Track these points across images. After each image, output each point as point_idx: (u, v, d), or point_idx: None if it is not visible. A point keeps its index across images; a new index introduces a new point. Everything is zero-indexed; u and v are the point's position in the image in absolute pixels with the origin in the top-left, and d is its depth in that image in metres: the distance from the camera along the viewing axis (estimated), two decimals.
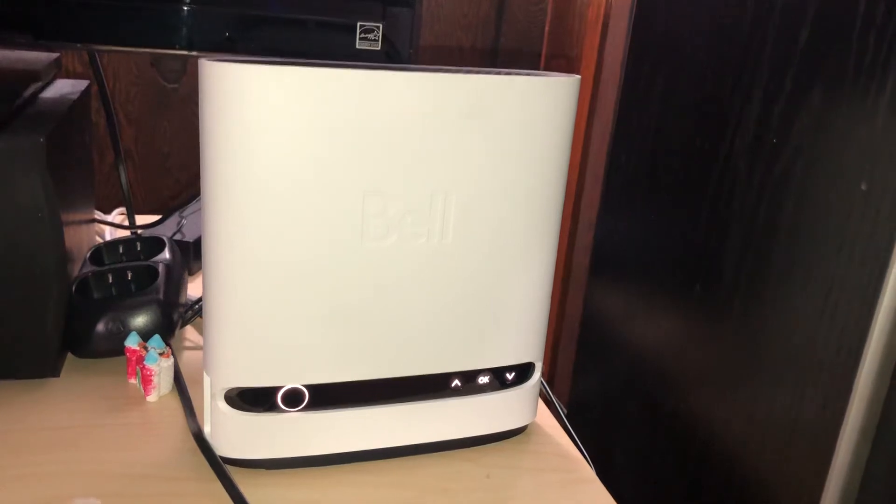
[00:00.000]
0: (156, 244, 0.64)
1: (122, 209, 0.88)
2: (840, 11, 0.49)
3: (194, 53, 0.59)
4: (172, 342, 0.56)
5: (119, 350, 0.54)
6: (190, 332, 0.62)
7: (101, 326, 0.54)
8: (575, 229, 1.10)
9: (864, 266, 0.46)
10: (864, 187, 0.46)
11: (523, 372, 0.50)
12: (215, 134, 0.40)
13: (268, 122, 0.39)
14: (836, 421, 0.48)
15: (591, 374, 0.85)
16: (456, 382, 0.47)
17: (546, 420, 0.54)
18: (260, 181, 0.40)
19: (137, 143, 1.04)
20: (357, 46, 0.61)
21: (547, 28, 1.16)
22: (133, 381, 0.54)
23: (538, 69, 1.17)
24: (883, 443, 0.46)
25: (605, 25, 1.03)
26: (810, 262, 0.51)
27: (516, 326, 0.48)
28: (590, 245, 1.09)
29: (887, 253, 0.44)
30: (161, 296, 0.56)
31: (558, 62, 1.14)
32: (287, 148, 0.40)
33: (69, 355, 0.56)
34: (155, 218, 0.79)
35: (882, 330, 0.45)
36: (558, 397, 0.58)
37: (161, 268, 0.59)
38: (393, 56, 0.62)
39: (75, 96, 0.62)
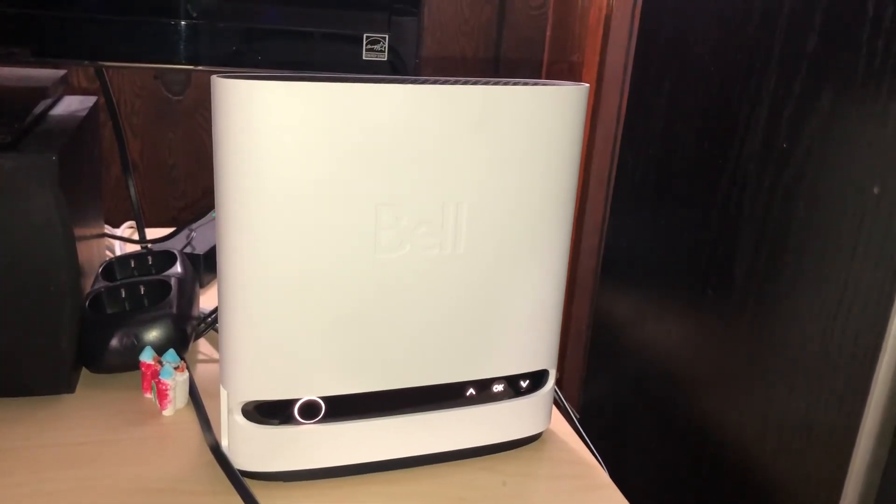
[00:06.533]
0: (167, 258, 0.64)
1: (131, 223, 0.89)
2: (848, 15, 0.49)
3: (201, 68, 0.60)
4: (186, 356, 0.57)
5: (134, 365, 0.54)
6: (203, 346, 0.62)
7: (115, 341, 0.54)
8: (580, 233, 1.10)
9: (877, 269, 0.46)
10: (876, 191, 0.46)
11: (537, 379, 0.50)
12: (228, 149, 0.40)
13: (280, 137, 0.39)
14: (853, 423, 0.48)
15: (602, 378, 0.85)
16: (470, 391, 0.48)
17: (559, 426, 0.54)
18: (273, 195, 0.40)
19: (143, 156, 1.05)
20: (364, 58, 0.61)
21: (549, 33, 1.16)
22: (148, 395, 0.54)
23: (540, 74, 1.18)
24: None
25: (607, 29, 1.03)
26: (823, 265, 0.51)
27: (530, 334, 0.48)
28: (595, 248, 1.09)
29: None
30: (174, 310, 0.56)
31: (560, 67, 1.15)
32: (299, 162, 0.40)
33: (84, 371, 0.56)
34: (164, 231, 0.79)
35: None
36: (567, 402, 0.58)
37: (174, 282, 0.59)
38: (399, 66, 0.62)
39: (84, 113, 0.62)
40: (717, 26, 0.62)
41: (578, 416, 0.89)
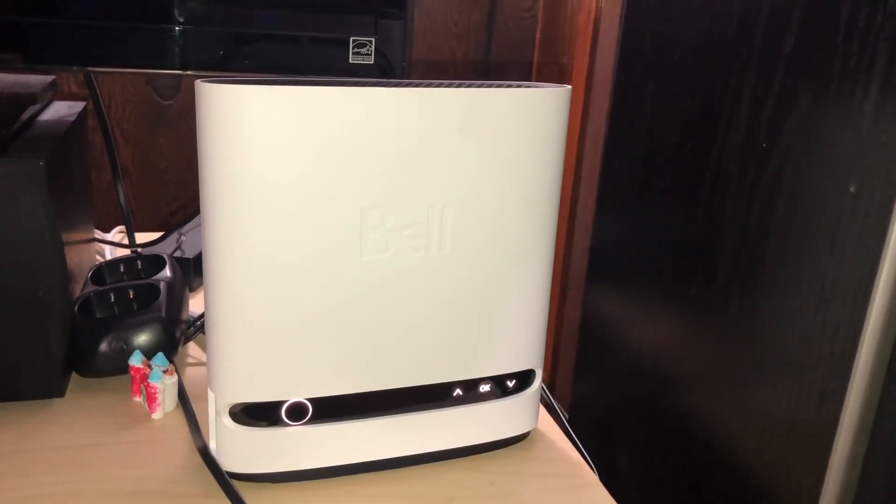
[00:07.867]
0: (156, 262, 0.64)
1: (122, 227, 0.89)
2: (824, 18, 0.49)
3: (189, 73, 0.60)
4: (175, 359, 0.57)
5: (123, 368, 0.54)
6: (192, 349, 0.63)
7: (104, 345, 0.54)
8: (572, 233, 1.11)
9: (855, 266, 0.47)
10: (852, 189, 0.47)
11: (524, 379, 0.50)
12: (213, 153, 0.40)
13: (265, 141, 0.40)
14: (833, 418, 0.48)
15: (592, 377, 0.86)
16: (457, 391, 0.48)
17: (548, 425, 0.55)
18: (259, 198, 0.40)
19: (134, 160, 1.05)
20: (350, 61, 0.61)
21: (538, 35, 1.17)
22: (138, 398, 0.54)
23: (530, 76, 1.18)
24: (880, 438, 0.47)
25: (596, 31, 1.03)
26: (803, 262, 0.52)
27: (516, 334, 0.49)
28: (587, 248, 1.10)
29: (877, 252, 0.45)
30: (163, 313, 0.56)
31: (550, 69, 1.15)
32: (285, 165, 0.40)
33: (74, 375, 0.56)
34: (154, 235, 0.80)
35: (875, 327, 0.46)
36: (559, 401, 0.58)
37: (163, 286, 0.59)
38: (386, 69, 0.62)
39: (72, 118, 0.63)
40: (698, 27, 0.63)
41: (568, 416, 0.89)
